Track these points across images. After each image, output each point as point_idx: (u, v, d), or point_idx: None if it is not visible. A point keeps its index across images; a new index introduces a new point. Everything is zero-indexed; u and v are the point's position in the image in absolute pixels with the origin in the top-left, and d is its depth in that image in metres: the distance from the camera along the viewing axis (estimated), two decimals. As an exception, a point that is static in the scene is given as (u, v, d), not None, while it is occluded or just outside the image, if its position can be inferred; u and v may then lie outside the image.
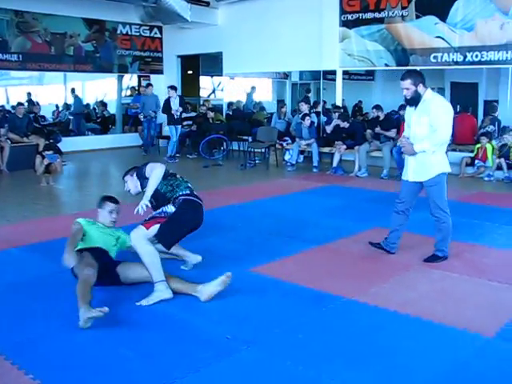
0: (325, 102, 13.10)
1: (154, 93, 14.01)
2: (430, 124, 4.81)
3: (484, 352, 3.40)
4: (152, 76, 15.98)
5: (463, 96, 14.14)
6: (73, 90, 15.59)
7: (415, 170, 4.99)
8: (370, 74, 14.65)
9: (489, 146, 9.99)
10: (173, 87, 12.65)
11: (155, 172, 4.55)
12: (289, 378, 3.07)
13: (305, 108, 11.54)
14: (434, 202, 4.98)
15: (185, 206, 4.45)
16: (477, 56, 10.26)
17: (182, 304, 4.08)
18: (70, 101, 15.79)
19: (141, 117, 13.61)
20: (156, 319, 3.84)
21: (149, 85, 14.02)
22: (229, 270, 4.30)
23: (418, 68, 10.98)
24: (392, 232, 5.28)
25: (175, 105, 12.33)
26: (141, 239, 4.19)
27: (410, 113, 5.03)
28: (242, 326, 3.70)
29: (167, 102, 12.45)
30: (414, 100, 4.89)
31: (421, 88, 4.84)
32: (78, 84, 16.73)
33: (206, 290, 4.10)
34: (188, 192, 4.58)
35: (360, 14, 11.60)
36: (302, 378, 3.06)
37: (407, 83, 4.84)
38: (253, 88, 15.18)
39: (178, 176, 4.76)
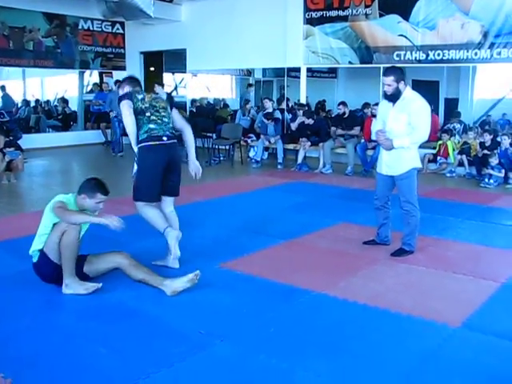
0: (288, 99, 13.18)
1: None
2: (408, 122, 4.90)
3: (451, 341, 3.50)
4: (114, 72, 15.83)
5: (425, 94, 14.02)
6: (2, 88, 14.57)
7: (388, 164, 5.11)
8: (332, 72, 14.78)
9: (450, 143, 10.21)
10: (160, 83, 12.23)
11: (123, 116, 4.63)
12: (263, 370, 3.10)
13: (269, 105, 11.59)
14: (405, 196, 5.11)
15: (142, 154, 4.59)
16: (439, 54, 10.48)
17: (153, 299, 4.07)
18: (30, 97, 15.49)
19: (112, 114, 12.93)
20: (127, 314, 3.83)
21: (118, 82, 13.60)
22: (198, 266, 4.34)
23: (381, 66, 11.21)
24: (380, 227, 5.45)
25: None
26: (139, 207, 4.70)
27: (386, 108, 5.08)
28: (215, 321, 3.71)
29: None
30: (394, 96, 4.96)
31: (402, 85, 4.92)
32: (37, 80, 16.47)
33: (173, 285, 4.11)
34: (145, 137, 4.58)
35: (324, 12, 11.72)
36: (275, 371, 3.09)
37: (390, 79, 4.90)
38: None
39: (147, 113, 4.62)
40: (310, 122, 10.88)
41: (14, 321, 3.73)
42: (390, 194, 5.30)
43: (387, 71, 5.00)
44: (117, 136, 12.75)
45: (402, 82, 4.92)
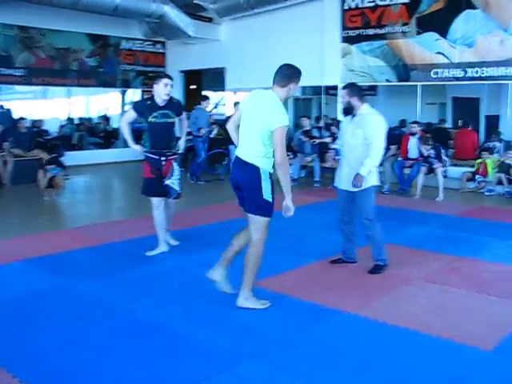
0: (326, 117, 13.18)
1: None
2: (364, 137, 5.06)
3: (483, 366, 3.43)
4: (155, 91, 16.09)
5: (465, 111, 14.21)
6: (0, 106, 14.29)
7: (349, 180, 5.14)
8: (372, 89, 14.74)
9: (489, 161, 10.04)
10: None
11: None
12: (287, 391, 3.10)
13: (306, 123, 11.61)
14: (365, 211, 5.19)
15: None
16: (477, 72, 10.33)
17: (182, 316, 4.13)
18: (75, 115, 15.84)
19: (203, 132, 11.52)
20: (155, 331, 3.87)
21: (205, 98, 12.21)
22: (230, 284, 4.38)
23: (418, 84, 11.15)
24: (346, 244, 5.45)
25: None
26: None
27: (345, 123, 5.31)
28: (242, 340, 3.74)
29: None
30: (347, 110, 5.20)
31: (355, 100, 5.12)
32: (81, 99, 16.84)
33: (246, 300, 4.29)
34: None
35: (361, 31, 11.72)
36: (300, 391, 3.10)
37: (344, 92, 5.18)
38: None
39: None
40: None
41: (48, 335, 3.82)
42: (352, 208, 5.30)
43: (344, 86, 5.32)
44: (200, 159, 11.63)
45: (356, 97, 5.11)
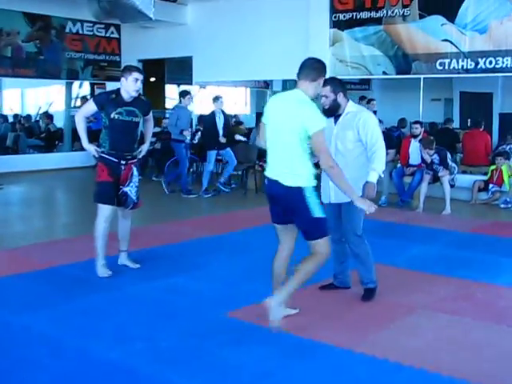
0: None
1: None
2: (356, 139, 5.02)
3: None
4: (108, 83, 16.07)
5: (475, 108, 14.46)
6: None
7: (337, 191, 4.96)
8: (365, 83, 14.89)
9: (505, 168, 10.15)
10: (217, 98, 11.66)
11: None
12: None
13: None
14: (351, 224, 5.17)
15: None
16: (491, 62, 10.49)
17: (146, 353, 4.10)
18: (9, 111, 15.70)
19: (187, 134, 11.44)
20: (113, 373, 3.84)
21: (185, 93, 11.89)
22: (202, 314, 4.39)
23: (421, 76, 11.28)
24: (339, 267, 5.46)
25: (220, 123, 11.46)
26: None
27: (329, 126, 4.96)
28: (223, 379, 3.73)
29: (211, 117, 11.55)
30: (333, 110, 5.08)
31: (341, 98, 5.05)
32: (16, 92, 16.67)
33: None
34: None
35: (354, 14, 11.86)
36: None
37: (326, 90, 5.00)
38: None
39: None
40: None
41: None
42: (342, 225, 5.28)
43: (325, 81, 4.93)
44: (183, 167, 11.52)
45: (341, 93, 5.06)
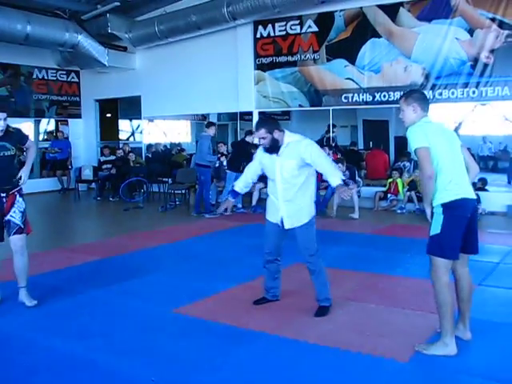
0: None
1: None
2: (299, 166, 4.58)
3: (399, 377, 3.52)
4: (70, 120, 15.83)
5: (375, 133, 14.78)
6: None
7: (290, 215, 4.69)
8: (286, 114, 15.04)
9: (399, 181, 10.45)
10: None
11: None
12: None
13: (223, 149, 11.69)
14: (307, 246, 4.72)
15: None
16: (385, 96, 10.79)
17: (112, 348, 4.01)
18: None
19: (212, 161, 10.84)
20: (78, 367, 3.73)
21: (210, 124, 11.05)
22: (151, 311, 4.30)
23: (330, 108, 11.48)
24: (271, 282, 5.03)
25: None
26: None
27: (272, 160, 4.68)
28: (167, 368, 3.67)
29: (244, 143, 11.09)
30: (274, 147, 4.61)
31: (277, 134, 4.57)
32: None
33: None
34: None
35: (274, 58, 12.01)
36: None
37: (262, 133, 4.57)
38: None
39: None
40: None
41: None
42: (281, 245, 4.88)
43: (257, 125, 4.72)
44: (208, 192, 10.75)
45: (276, 130, 4.56)
